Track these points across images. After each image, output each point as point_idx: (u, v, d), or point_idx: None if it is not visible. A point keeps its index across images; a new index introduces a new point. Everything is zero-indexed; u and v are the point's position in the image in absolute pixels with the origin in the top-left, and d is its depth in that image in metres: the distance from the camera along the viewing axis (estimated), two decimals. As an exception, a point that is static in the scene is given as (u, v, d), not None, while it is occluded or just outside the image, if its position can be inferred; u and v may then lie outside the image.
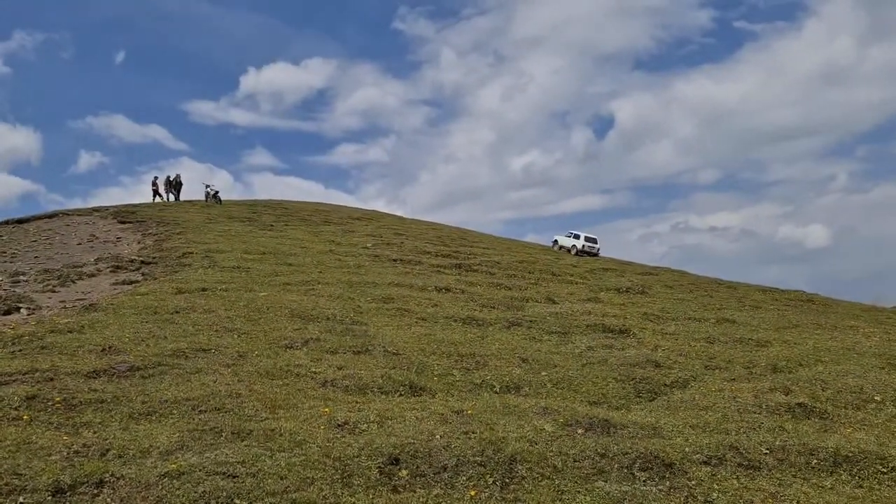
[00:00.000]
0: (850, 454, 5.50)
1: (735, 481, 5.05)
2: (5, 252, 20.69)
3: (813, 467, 5.36)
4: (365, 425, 5.69)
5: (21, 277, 15.78)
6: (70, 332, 8.68)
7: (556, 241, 37.09)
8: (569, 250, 34.39)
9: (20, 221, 28.12)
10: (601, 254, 33.88)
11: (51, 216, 29.02)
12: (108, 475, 4.43)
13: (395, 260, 18.30)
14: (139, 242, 20.32)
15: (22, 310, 11.72)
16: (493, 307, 12.68)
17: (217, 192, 33.92)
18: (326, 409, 6.08)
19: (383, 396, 6.86)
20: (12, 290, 14.04)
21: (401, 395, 6.99)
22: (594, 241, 34.09)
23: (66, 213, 29.61)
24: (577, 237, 35.16)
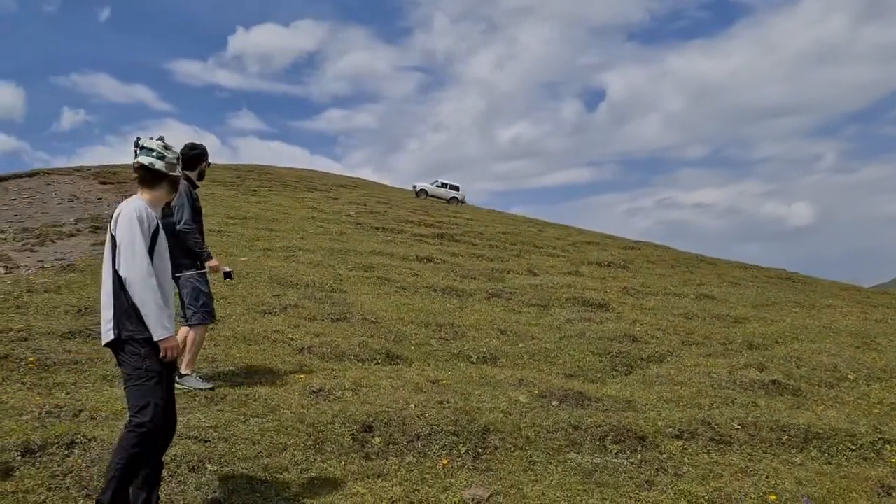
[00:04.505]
0: (821, 431, 5.56)
1: (706, 455, 5.09)
2: (-17, 210, 20.35)
3: (783, 443, 5.42)
4: (340, 392, 5.68)
5: (-1, 236, 15.55)
6: (47, 292, 8.60)
7: (423, 189, 37.71)
8: (448, 201, 35.99)
9: (0, 179, 27.64)
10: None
11: (31, 175, 28.53)
12: (79, 436, 4.39)
13: (377, 228, 18.23)
14: (120, 203, 20.08)
15: (-1, 269, 11.56)
16: (474, 278, 12.69)
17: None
18: (302, 376, 6.07)
19: (360, 364, 6.86)
20: (-11, 248, 13.83)
21: (377, 363, 6.99)
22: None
23: (47, 172, 29.14)
24: (455, 188, 37.36)
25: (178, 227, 5.64)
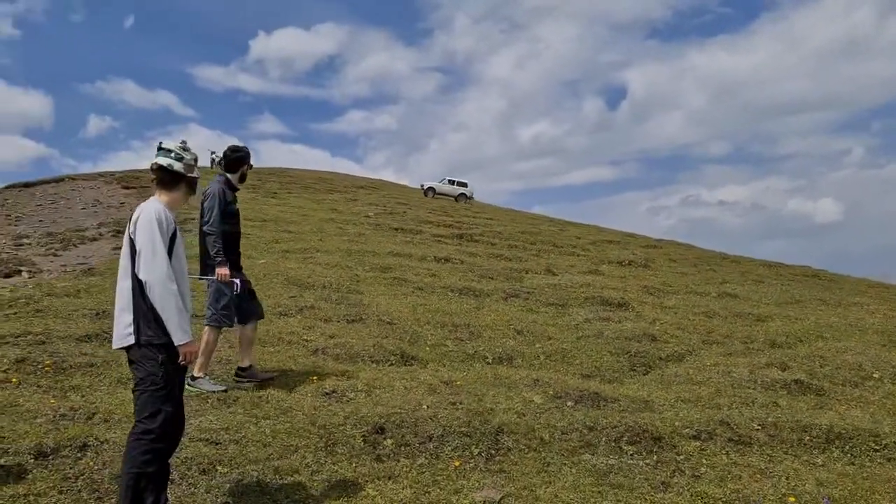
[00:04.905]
0: (844, 431, 5.43)
1: (724, 456, 4.99)
2: (10, 215, 20.74)
3: (805, 444, 5.30)
4: (352, 394, 5.66)
5: (24, 241, 15.83)
6: (66, 295, 8.69)
7: (431, 188, 38.11)
8: (455, 199, 36.48)
9: (27, 185, 28.13)
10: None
11: (57, 181, 29.02)
12: (92, 439, 4.41)
13: (396, 229, 18.23)
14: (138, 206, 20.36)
15: (23, 273, 11.76)
16: (492, 278, 12.62)
17: (222, 159, 33.88)
18: (315, 378, 6.06)
19: (374, 365, 6.83)
20: (15, 253, 14.09)
21: (391, 364, 6.95)
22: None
23: (73, 178, 29.63)
24: (463, 185, 37.94)
25: (203, 227, 5.67)
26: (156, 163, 3.66)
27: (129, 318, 3.42)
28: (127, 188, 24.90)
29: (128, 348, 3.47)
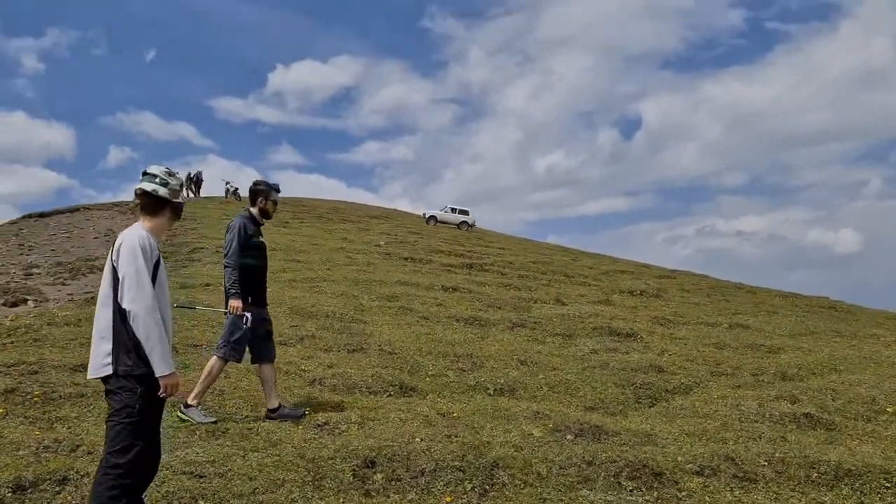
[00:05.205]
0: (853, 467, 5.21)
1: (728, 494, 4.79)
2: (23, 245, 20.95)
3: (813, 481, 5.08)
4: (345, 426, 5.52)
5: (34, 270, 15.96)
6: (66, 324, 8.66)
7: (433, 216, 38.46)
8: (458, 226, 36.92)
9: (42, 215, 28.49)
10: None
11: (73, 210, 29.38)
12: (72, 472, 4.31)
13: (406, 258, 18.16)
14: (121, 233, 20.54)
15: (29, 302, 11.81)
16: (499, 307, 12.46)
17: (237, 189, 34.31)
18: (308, 409, 5.93)
19: (371, 396, 6.69)
20: (24, 282, 14.18)
21: (389, 395, 6.81)
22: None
23: (88, 208, 29.99)
24: (465, 213, 38.47)
25: (224, 260, 5.65)
26: (140, 188, 3.59)
27: (108, 347, 3.34)
28: (140, 218, 25.14)
29: (105, 378, 3.38)
